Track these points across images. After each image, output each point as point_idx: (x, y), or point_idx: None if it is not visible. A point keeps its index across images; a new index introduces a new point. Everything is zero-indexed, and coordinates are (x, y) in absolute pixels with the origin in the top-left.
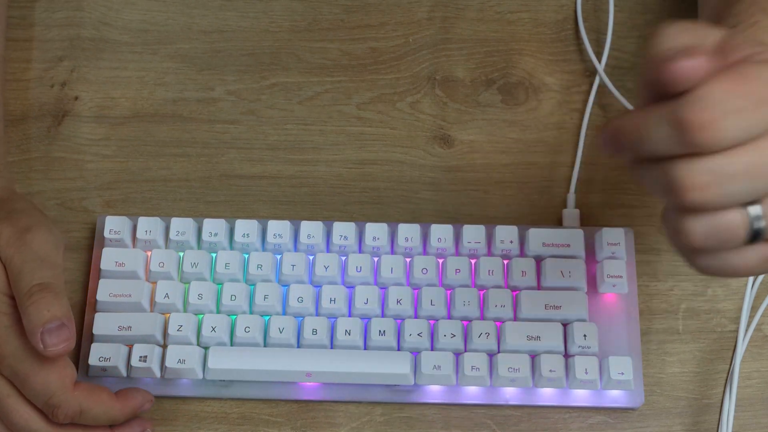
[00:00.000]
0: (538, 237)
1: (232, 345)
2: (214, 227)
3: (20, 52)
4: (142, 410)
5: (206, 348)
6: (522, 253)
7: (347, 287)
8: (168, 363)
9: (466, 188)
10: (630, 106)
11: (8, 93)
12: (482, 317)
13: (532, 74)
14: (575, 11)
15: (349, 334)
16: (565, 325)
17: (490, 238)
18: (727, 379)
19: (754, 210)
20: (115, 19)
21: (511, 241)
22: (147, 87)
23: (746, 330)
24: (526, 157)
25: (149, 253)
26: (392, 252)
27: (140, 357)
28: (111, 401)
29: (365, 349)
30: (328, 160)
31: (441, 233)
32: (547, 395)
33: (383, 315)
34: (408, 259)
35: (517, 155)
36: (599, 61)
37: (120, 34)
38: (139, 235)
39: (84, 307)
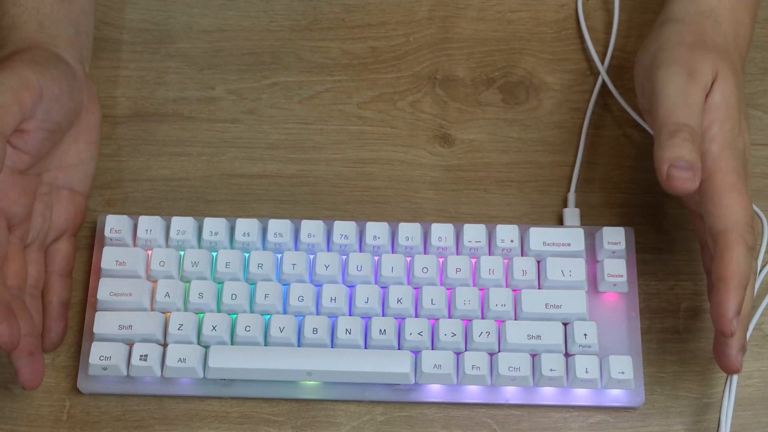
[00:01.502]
0: (539, 236)
1: (232, 344)
2: (214, 226)
3: None
4: None
5: (207, 347)
6: (522, 253)
7: (348, 286)
8: (168, 362)
9: (467, 187)
10: (628, 109)
11: None
12: (483, 316)
13: (533, 73)
14: (576, 10)
15: (350, 333)
16: (565, 324)
17: (490, 238)
18: (727, 379)
19: None
20: (116, 18)
21: (512, 241)
22: (148, 86)
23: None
24: (527, 156)
25: (150, 252)
26: (393, 251)
27: (141, 356)
28: None
29: (366, 348)
30: (328, 159)
31: (442, 232)
32: (547, 394)
33: (384, 314)
34: (408, 258)
35: (517, 154)
36: (602, 62)
37: (121, 33)
38: (140, 234)
39: (84, 306)
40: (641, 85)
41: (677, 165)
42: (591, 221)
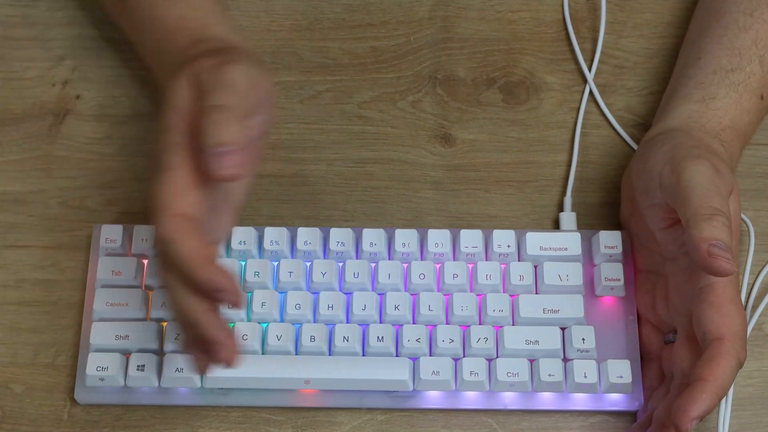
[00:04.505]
0: (536, 241)
1: None
2: None
3: (22, 51)
4: (218, 296)
5: None
6: (519, 257)
7: (345, 293)
8: (166, 372)
9: (467, 187)
10: (612, 118)
11: (10, 92)
12: (480, 322)
13: (533, 73)
14: (571, 12)
15: (348, 341)
16: (563, 329)
17: (487, 243)
18: None
19: None
20: None
21: (509, 246)
22: (148, 86)
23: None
24: (527, 156)
25: (145, 262)
26: (389, 258)
27: (138, 366)
28: (197, 253)
29: (363, 355)
30: (329, 159)
31: (438, 238)
32: (546, 399)
33: (381, 321)
34: (405, 265)
35: (518, 154)
36: (589, 70)
37: (121, 33)
38: (135, 243)
39: (81, 317)
40: (656, 179)
41: (718, 245)
42: (589, 222)
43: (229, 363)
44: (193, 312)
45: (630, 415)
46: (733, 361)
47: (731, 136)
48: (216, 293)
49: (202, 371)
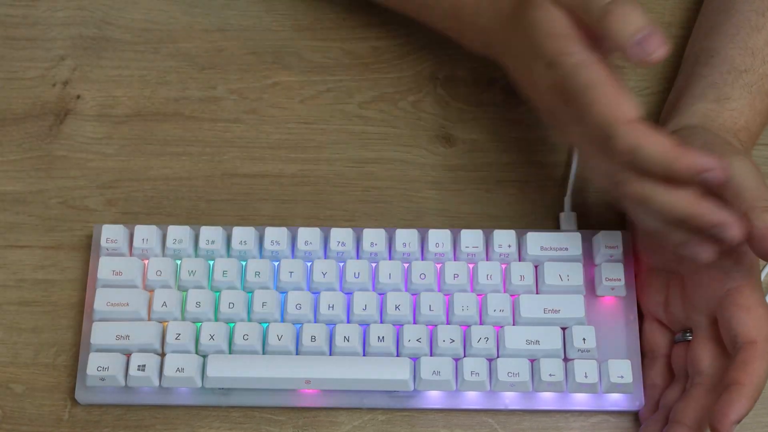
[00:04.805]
0: (536, 241)
1: (230, 353)
2: (211, 235)
3: (22, 51)
4: (706, 177)
5: (205, 356)
6: (520, 257)
7: (345, 293)
8: (166, 372)
9: (468, 187)
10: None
11: (10, 92)
12: (481, 322)
13: None
14: None
15: (348, 341)
16: (563, 329)
17: (488, 243)
18: None
19: None
20: (118, 18)
21: (509, 246)
22: (149, 86)
23: None
24: (528, 156)
25: (146, 262)
26: (390, 257)
27: (138, 366)
28: (668, 145)
29: (364, 355)
30: (329, 159)
31: (439, 238)
32: (546, 399)
33: (382, 321)
34: (406, 265)
35: (518, 154)
36: None
37: (122, 33)
38: (136, 243)
39: (81, 317)
40: None
41: None
42: (590, 222)
43: (737, 236)
44: (685, 205)
45: (631, 415)
46: (766, 363)
47: (746, 136)
48: (703, 174)
49: (710, 258)
